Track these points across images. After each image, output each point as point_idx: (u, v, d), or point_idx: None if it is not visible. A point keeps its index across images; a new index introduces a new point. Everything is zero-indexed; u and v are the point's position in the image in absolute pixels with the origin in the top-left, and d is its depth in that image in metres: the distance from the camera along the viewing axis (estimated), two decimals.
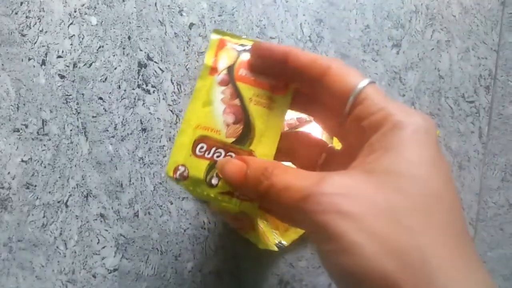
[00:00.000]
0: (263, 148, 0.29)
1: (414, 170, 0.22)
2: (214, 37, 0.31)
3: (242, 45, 0.30)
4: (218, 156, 0.29)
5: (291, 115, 0.42)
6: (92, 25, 0.44)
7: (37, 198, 0.42)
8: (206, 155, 0.29)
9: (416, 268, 0.20)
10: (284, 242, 0.42)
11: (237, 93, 0.29)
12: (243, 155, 0.29)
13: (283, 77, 0.29)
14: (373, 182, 0.22)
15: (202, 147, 0.29)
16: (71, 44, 0.44)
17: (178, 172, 0.29)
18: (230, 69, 0.30)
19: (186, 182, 0.29)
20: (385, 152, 0.23)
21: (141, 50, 0.44)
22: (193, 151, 0.29)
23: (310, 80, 0.27)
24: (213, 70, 0.30)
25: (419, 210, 0.21)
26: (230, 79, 0.30)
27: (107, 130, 0.43)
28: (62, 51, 0.44)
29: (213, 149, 0.29)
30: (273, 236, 0.42)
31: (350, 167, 0.25)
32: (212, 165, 0.29)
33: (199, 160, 0.29)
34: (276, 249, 0.40)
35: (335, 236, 0.22)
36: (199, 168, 0.29)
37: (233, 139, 0.29)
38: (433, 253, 0.21)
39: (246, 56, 0.30)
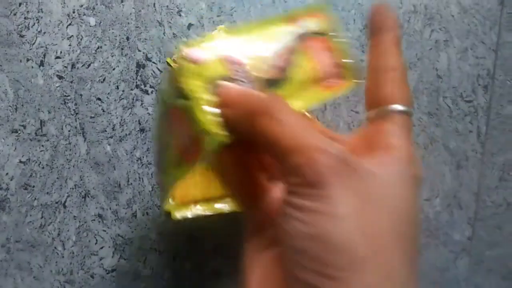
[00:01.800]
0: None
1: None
2: (320, 7, 0.31)
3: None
4: (240, 77, 0.26)
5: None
6: (90, 26, 0.44)
7: (35, 199, 0.42)
8: (231, 66, 0.26)
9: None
10: (172, 216, 0.36)
11: (295, 54, 0.28)
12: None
13: None
14: (385, 188, 0.23)
15: (232, 59, 0.27)
16: (70, 45, 0.44)
17: (193, 52, 0.26)
18: (306, 34, 0.29)
19: (191, 65, 0.25)
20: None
21: (139, 51, 0.44)
22: (225, 53, 0.27)
23: (371, 61, 0.28)
24: (292, 21, 0.29)
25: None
26: (299, 41, 0.29)
27: (105, 131, 0.43)
28: (61, 52, 0.44)
29: (240, 68, 0.27)
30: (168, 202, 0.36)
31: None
32: (225, 78, 0.26)
33: (222, 62, 0.26)
34: (164, 211, 0.35)
35: (330, 198, 0.21)
36: (215, 66, 0.26)
37: (263, 76, 0.27)
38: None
39: (326, 38, 0.29)
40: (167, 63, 0.29)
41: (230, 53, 0.27)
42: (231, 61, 0.26)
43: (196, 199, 0.37)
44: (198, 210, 0.37)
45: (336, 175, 0.22)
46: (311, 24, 0.30)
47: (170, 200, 0.34)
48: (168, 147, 0.28)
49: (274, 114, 0.23)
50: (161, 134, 0.30)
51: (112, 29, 0.44)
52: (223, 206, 0.37)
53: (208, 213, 0.37)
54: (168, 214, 0.35)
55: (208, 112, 0.25)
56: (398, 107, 0.25)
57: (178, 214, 0.36)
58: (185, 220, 0.36)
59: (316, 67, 0.29)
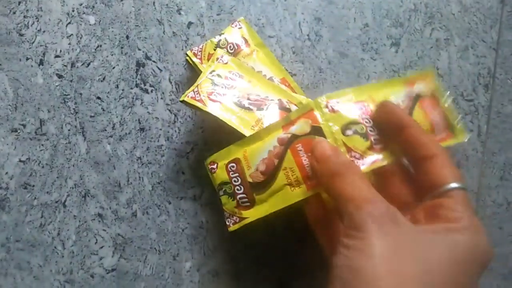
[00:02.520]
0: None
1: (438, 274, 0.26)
2: (429, 74, 0.38)
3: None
4: (366, 123, 0.33)
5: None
6: (90, 25, 0.44)
7: (35, 198, 0.42)
8: (361, 114, 0.34)
9: None
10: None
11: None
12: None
13: (392, 140, 0.33)
14: (426, 244, 0.27)
15: (362, 108, 0.34)
16: (69, 44, 0.44)
17: (332, 103, 0.34)
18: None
19: (328, 113, 0.34)
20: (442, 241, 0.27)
21: (139, 49, 0.44)
22: (355, 104, 0.34)
23: (413, 157, 0.32)
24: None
25: None
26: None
27: (105, 130, 0.43)
28: (60, 51, 0.44)
29: (368, 116, 0.33)
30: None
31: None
32: (356, 123, 0.33)
33: (353, 110, 0.34)
34: (230, 229, 0.37)
35: (366, 239, 0.26)
36: (348, 114, 0.33)
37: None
38: None
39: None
40: (187, 55, 0.40)
41: (360, 106, 0.34)
42: (361, 112, 0.33)
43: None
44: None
45: (377, 223, 0.26)
46: (422, 86, 0.36)
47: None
48: (286, 170, 0.33)
49: (346, 177, 0.29)
50: (271, 156, 0.34)
51: (112, 27, 0.44)
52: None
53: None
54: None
55: (343, 151, 0.33)
56: (454, 184, 0.29)
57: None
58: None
59: (431, 122, 0.34)
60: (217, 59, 0.40)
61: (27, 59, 0.43)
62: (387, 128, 0.33)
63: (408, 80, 0.36)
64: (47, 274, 0.42)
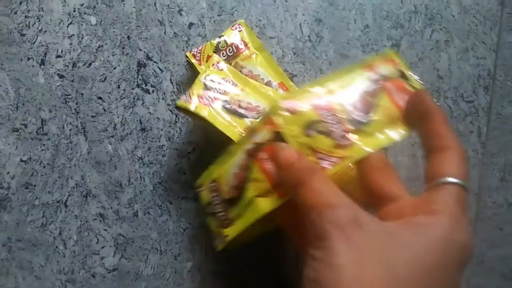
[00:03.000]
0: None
1: (419, 262, 0.25)
2: (389, 53, 0.34)
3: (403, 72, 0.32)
4: (328, 120, 0.31)
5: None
6: (91, 25, 0.44)
7: (36, 198, 0.42)
8: (320, 111, 0.31)
9: None
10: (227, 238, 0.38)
11: (375, 96, 0.32)
12: (346, 132, 0.31)
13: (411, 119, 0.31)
14: (394, 246, 0.25)
15: (321, 104, 0.32)
16: (71, 44, 0.44)
17: (288, 104, 0.31)
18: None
19: (288, 115, 0.31)
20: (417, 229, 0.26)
21: (140, 50, 0.44)
22: (314, 101, 0.32)
23: (428, 147, 0.30)
24: (369, 68, 0.33)
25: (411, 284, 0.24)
26: (379, 85, 0.32)
27: (107, 130, 0.43)
28: (61, 51, 0.44)
29: (329, 112, 0.31)
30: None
31: (388, 220, 0.28)
32: (318, 121, 0.31)
33: (312, 109, 0.31)
34: (219, 248, 0.37)
35: (330, 249, 0.25)
36: (308, 113, 0.31)
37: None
38: None
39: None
40: (186, 56, 0.39)
41: (319, 101, 0.31)
42: (320, 108, 0.31)
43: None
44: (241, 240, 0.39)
45: (339, 229, 0.25)
46: (386, 69, 0.33)
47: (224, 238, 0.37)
48: (254, 181, 0.32)
49: (308, 183, 0.28)
50: (239, 170, 0.33)
51: (113, 28, 0.44)
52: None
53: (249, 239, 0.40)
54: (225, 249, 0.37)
55: (308, 154, 0.30)
56: (451, 179, 0.27)
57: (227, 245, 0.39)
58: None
59: (396, 106, 0.32)
60: (213, 64, 0.40)
61: (29, 59, 0.43)
62: (416, 116, 0.31)
63: (368, 65, 0.33)
64: (48, 273, 0.42)
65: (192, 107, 0.38)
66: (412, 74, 0.33)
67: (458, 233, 0.26)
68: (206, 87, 0.39)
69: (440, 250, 0.25)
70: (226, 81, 0.40)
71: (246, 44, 0.43)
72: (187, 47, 0.44)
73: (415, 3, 0.46)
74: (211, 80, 0.40)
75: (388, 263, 0.24)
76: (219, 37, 0.42)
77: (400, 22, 0.46)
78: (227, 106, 0.39)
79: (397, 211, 0.28)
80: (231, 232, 0.34)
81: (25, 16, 0.44)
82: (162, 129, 0.43)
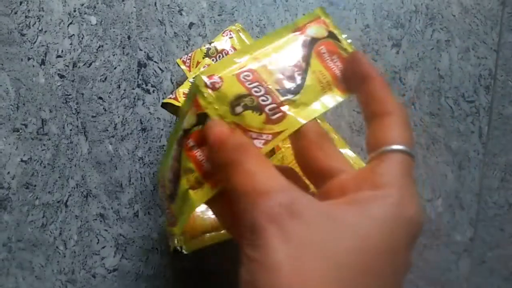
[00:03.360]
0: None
1: (364, 242, 0.22)
2: (318, 12, 0.31)
3: (333, 33, 0.30)
4: (256, 92, 0.27)
5: None
6: (91, 25, 0.44)
7: (37, 198, 0.42)
8: (247, 83, 0.27)
9: None
10: (184, 249, 0.39)
11: (307, 60, 0.29)
12: (277, 103, 0.27)
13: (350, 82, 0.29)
14: (335, 231, 0.22)
15: (247, 75, 0.28)
16: (71, 44, 0.44)
17: (211, 80, 0.27)
18: (314, 40, 0.29)
19: (210, 93, 0.27)
20: (357, 208, 0.23)
21: (140, 50, 0.44)
22: (238, 74, 0.28)
23: (367, 113, 0.27)
24: (298, 30, 0.30)
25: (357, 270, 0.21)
26: (310, 46, 0.30)
27: (107, 130, 0.43)
28: (62, 51, 0.44)
29: (256, 83, 0.28)
30: (177, 238, 0.38)
31: (328, 200, 0.24)
32: (245, 95, 0.27)
33: (239, 83, 0.27)
34: (171, 249, 0.37)
35: (264, 247, 0.21)
36: (233, 88, 0.27)
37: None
38: None
39: (332, 41, 0.30)
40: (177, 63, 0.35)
41: (245, 72, 0.28)
42: (246, 80, 0.28)
43: (205, 229, 0.39)
44: (207, 239, 0.38)
45: (273, 222, 0.21)
46: (316, 30, 0.30)
47: (178, 239, 0.35)
48: (186, 172, 0.28)
49: (240, 164, 0.24)
50: (173, 162, 0.30)
51: (113, 28, 0.44)
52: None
53: (217, 241, 0.39)
54: (178, 250, 0.36)
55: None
56: (395, 146, 0.24)
57: (189, 248, 0.37)
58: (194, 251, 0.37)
59: (328, 70, 0.29)
60: (204, 67, 0.40)
61: (29, 59, 0.43)
62: (353, 80, 0.28)
63: (297, 27, 0.30)
64: (48, 274, 0.42)
65: (175, 101, 0.37)
66: (343, 35, 0.31)
67: (407, 207, 0.23)
68: None
69: (388, 228, 0.22)
70: (216, 79, 0.39)
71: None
72: (187, 47, 0.44)
73: (415, 3, 0.46)
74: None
75: (329, 254, 0.21)
76: (209, 43, 0.42)
77: (401, 22, 0.46)
78: None
79: (340, 187, 0.25)
80: (176, 230, 0.31)
81: (26, 16, 0.44)
82: (162, 129, 0.43)
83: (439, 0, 0.46)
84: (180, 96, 0.38)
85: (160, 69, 0.44)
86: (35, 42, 0.43)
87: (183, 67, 0.42)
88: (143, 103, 0.44)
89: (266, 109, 0.27)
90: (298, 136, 0.27)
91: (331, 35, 0.30)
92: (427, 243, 0.44)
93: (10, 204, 0.42)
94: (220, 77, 0.28)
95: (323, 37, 0.30)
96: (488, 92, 0.46)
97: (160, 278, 0.42)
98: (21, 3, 0.44)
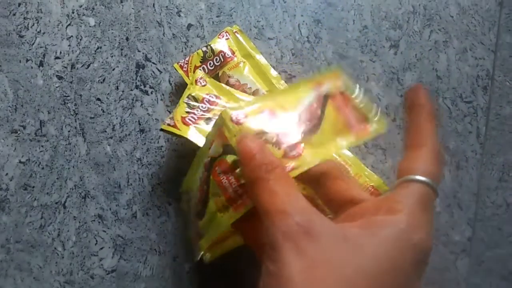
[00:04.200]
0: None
1: (377, 264, 0.23)
2: (337, 71, 0.34)
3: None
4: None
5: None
6: (90, 26, 0.44)
7: (35, 199, 0.42)
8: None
9: None
10: (207, 258, 0.39)
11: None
12: (294, 142, 0.30)
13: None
14: (346, 250, 0.24)
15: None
16: (69, 45, 0.44)
17: (237, 115, 0.30)
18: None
19: (235, 126, 0.30)
20: (370, 236, 0.24)
21: (139, 51, 0.44)
22: (262, 112, 0.31)
23: (406, 138, 0.29)
24: (317, 84, 0.33)
25: None
26: (325, 99, 0.32)
27: (105, 131, 0.43)
28: (60, 52, 0.44)
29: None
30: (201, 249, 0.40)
31: (345, 223, 0.26)
32: (265, 132, 0.30)
33: (260, 119, 0.30)
34: (196, 259, 0.37)
35: (280, 261, 0.23)
36: (256, 124, 0.30)
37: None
38: None
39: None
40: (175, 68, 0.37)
41: (268, 112, 0.31)
42: (269, 118, 0.31)
43: (224, 236, 0.40)
44: (226, 246, 0.40)
45: (291, 240, 0.23)
46: (331, 85, 0.33)
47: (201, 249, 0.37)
48: (213, 196, 0.31)
49: (266, 182, 0.26)
50: (200, 183, 0.33)
51: (112, 29, 0.44)
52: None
53: (235, 246, 0.40)
54: (201, 259, 0.38)
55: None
56: (418, 177, 0.26)
57: (211, 256, 0.39)
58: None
59: (342, 115, 0.32)
60: (196, 80, 0.41)
61: (27, 60, 0.43)
62: (407, 109, 0.30)
63: (316, 81, 0.33)
64: (47, 275, 0.42)
65: (175, 130, 0.38)
66: (357, 89, 0.33)
67: (415, 232, 0.24)
68: (190, 107, 0.40)
69: (395, 249, 0.24)
70: (211, 96, 0.40)
71: (233, 52, 0.42)
72: (185, 48, 0.44)
73: (413, 4, 0.46)
74: (194, 99, 0.40)
75: (339, 271, 0.23)
76: (206, 46, 0.42)
77: (399, 23, 0.46)
78: (212, 122, 0.39)
79: (360, 212, 0.27)
80: (203, 244, 0.34)
81: (24, 18, 0.44)
82: (160, 127, 0.43)
83: (437, 1, 0.47)
84: (178, 122, 0.39)
85: (159, 70, 0.44)
86: (33, 44, 0.44)
87: (180, 72, 0.42)
88: (142, 104, 0.44)
89: (285, 146, 0.30)
90: (319, 174, 0.30)
91: (345, 91, 0.33)
92: None
93: (8, 205, 0.42)
94: (245, 114, 0.30)
95: (338, 92, 0.33)
96: (486, 92, 0.46)
97: (159, 279, 0.42)
98: (19, 4, 0.44)
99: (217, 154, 0.31)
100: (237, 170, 0.30)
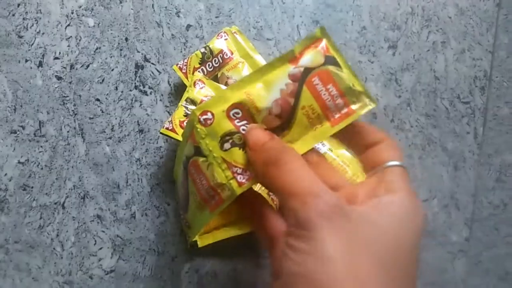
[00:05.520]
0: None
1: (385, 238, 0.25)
2: (318, 34, 0.31)
3: (332, 57, 0.31)
4: (244, 130, 0.29)
5: None
6: (89, 27, 0.44)
7: (34, 199, 0.42)
8: (236, 122, 0.29)
9: None
10: (198, 243, 0.41)
11: (297, 95, 0.30)
12: None
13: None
14: (372, 229, 0.25)
15: (237, 113, 0.29)
16: (68, 46, 0.44)
17: (204, 117, 0.29)
18: (307, 71, 0.30)
19: (203, 128, 0.29)
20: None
21: (138, 52, 0.44)
22: (228, 110, 0.29)
23: (360, 145, 0.31)
24: (294, 60, 0.30)
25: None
26: (302, 79, 0.30)
27: (104, 132, 0.43)
28: (59, 53, 0.44)
29: (244, 122, 0.29)
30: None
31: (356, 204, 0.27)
32: (233, 133, 0.29)
33: (228, 120, 0.29)
34: (188, 245, 0.39)
35: (317, 239, 0.24)
36: (223, 125, 0.29)
37: (265, 127, 0.30)
38: None
39: (328, 69, 0.30)
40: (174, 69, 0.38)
41: (237, 107, 0.30)
42: (237, 116, 0.30)
43: (216, 225, 0.41)
44: (219, 235, 0.40)
45: (325, 219, 0.24)
46: (311, 57, 0.30)
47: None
48: (192, 193, 0.32)
49: (285, 165, 0.26)
50: (183, 179, 0.33)
51: (111, 30, 0.44)
52: (238, 230, 0.41)
53: (227, 236, 0.41)
54: (193, 244, 0.39)
55: (224, 168, 0.29)
56: (394, 162, 0.29)
57: (202, 242, 0.40)
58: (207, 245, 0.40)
59: (321, 102, 0.30)
60: (194, 83, 0.41)
61: (26, 61, 0.43)
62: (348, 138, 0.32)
63: (293, 56, 0.30)
64: (46, 275, 0.42)
65: (173, 134, 0.39)
66: (340, 55, 0.31)
67: (417, 205, 0.27)
68: (188, 110, 0.40)
69: (409, 224, 0.26)
70: (208, 99, 0.40)
71: (232, 53, 0.42)
72: (185, 48, 0.45)
73: (412, 5, 0.46)
74: (192, 102, 0.40)
75: (373, 251, 0.24)
76: (204, 47, 0.42)
77: (397, 24, 0.46)
78: None
79: (362, 193, 0.28)
80: (191, 235, 0.35)
81: (23, 18, 0.44)
82: (159, 131, 0.44)
83: (435, 2, 0.47)
84: (177, 127, 0.39)
85: (158, 70, 0.44)
86: (32, 44, 0.44)
87: (180, 74, 0.42)
88: (141, 104, 0.44)
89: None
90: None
91: (329, 61, 0.30)
92: (423, 243, 0.45)
93: (7, 205, 0.42)
94: (212, 114, 0.29)
95: (318, 65, 0.30)
96: (483, 93, 0.46)
97: (157, 279, 0.43)
98: (19, 5, 0.44)
99: (190, 154, 0.31)
100: (207, 171, 0.29)
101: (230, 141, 0.29)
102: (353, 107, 0.31)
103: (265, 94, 0.30)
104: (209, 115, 0.29)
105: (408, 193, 0.27)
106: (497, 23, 0.47)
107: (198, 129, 0.29)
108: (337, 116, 0.30)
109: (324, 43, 0.31)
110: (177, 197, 0.37)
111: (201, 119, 0.29)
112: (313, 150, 0.31)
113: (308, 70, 0.30)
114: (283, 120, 0.29)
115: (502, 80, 0.47)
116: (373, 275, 0.23)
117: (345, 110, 0.30)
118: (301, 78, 0.30)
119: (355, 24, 0.46)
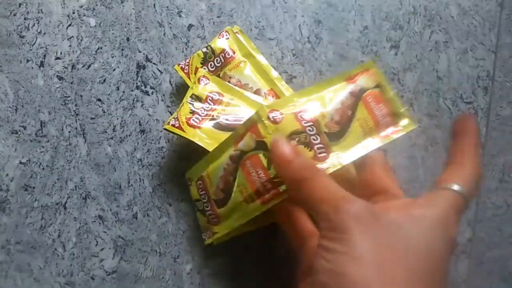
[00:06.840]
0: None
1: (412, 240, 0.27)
2: (370, 64, 0.36)
3: (381, 84, 0.35)
4: (310, 131, 0.32)
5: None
6: (90, 27, 0.44)
7: (35, 200, 0.42)
8: (303, 122, 0.32)
9: None
10: (214, 241, 0.40)
11: (353, 109, 0.34)
12: (324, 144, 0.33)
13: None
14: (401, 237, 0.27)
15: (304, 115, 0.33)
16: (70, 46, 0.44)
17: (273, 114, 0.32)
18: (363, 90, 0.34)
19: (271, 125, 0.32)
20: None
21: (139, 52, 0.44)
22: (297, 112, 0.33)
23: (450, 155, 0.32)
24: (350, 79, 0.35)
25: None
26: (357, 97, 0.34)
27: (106, 132, 0.43)
28: (61, 53, 0.44)
29: (310, 123, 0.32)
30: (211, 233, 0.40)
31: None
32: (300, 132, 0.32)
33: (296, 121, 0.32)
34: (206, 242, 0.39)
35: (350, 241, 0.25)
36: (291, 124, 0.32)
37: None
38: None
39: (379, 91, 0.35)
40: (176, 70, 0.40)
41: (302, 112, 0.33)
42: (303, 119, 0.33)
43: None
44: (232, 231, 0.40)
45: (357, 222, 0.26)
46: (365, 80, 0.35)
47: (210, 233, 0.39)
48: (239, 186, 0.34)
49: (314, 181, 0.29)
50: (224, 174, 0.35)
51: (112, 30, 0.44)
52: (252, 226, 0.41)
53: (240, 232, 0.40)
54: (211, 243, 0.39)
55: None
56: (454, 186, 0.29)
57: (219, 240, 0.40)
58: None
59: (372, 117, 0.34)
60: (198, 79, 0.41)
61: (28, 61, 0.43)
62: (454, 131, 0.33)
63: (350, 76, 0.35)
64: (47, 276, 0.42)
65: (181, 132, 0.38)
66: (388, 84, 0.35)
67: (449, 226, 0.27)
68: (193, 107, 0.40)
69: (441, 236, 0.27)
70: (214, 94, 0.40)
71: (234, 52, 0.42)
72: (186, 48, 0.44)
73: (414, 4, 0.46)
74: (198, 99, 0.40)
75: (403, 257, 0.25)
76: (206, 47, 0.42)
77: (399, 23, 0.46)
78: (217, 123, 0.39)
79: (396, 205, 0.30)
80: (220, 230, 0.36)
81: (24, 18, 0.44)
82: (161, 131, 0.43)
83: (438, 2, 0.47)
84: (183, 124, 0.39)
85: (159, 70, 0.44)
86: (34, 44, 0.43)
87: (181, 74, 0.42)
88: (142, 105, 0.44)
89: (315, 147, 0.32)
90: (368, 157, 0.33)
91: (379, 86, 0.35)
92: None
93: (8, 206, 0.42)
94: (281, 113, 0.32)
95: (371, 87, 0.35)
96: (486, 93, 0.46)
97: (159, 280, 0.42)
98: (20, 5, 0.43)
99: (249, 149, 0.33)
100: (270, 168, 0.32)
101: (297, 139, 0.32)
102: (398, 126, 0.34)
103: (329, 102, 0.34)
104: (277, 114, 0.32)
105: (443, 214, 0.28)
106: (499, 23, 0.47)
107: (266, 125, 0.32)
108: (384, 132, 0.34)
109: (374, 70, 0.35)
110: (195, 195, 0.39)
111: (270, 116, 0.32)
112: (381, 155, 0.34)
113: (363, 90, 0.34)
114: (341, 127, 0.33)
115: (505, 80, 0.46)
116: (400, 276, 0.24)
117: (391, 128, 0.34)
118: (358, 94, 0.34)
119: (357, 23, 0.46)
